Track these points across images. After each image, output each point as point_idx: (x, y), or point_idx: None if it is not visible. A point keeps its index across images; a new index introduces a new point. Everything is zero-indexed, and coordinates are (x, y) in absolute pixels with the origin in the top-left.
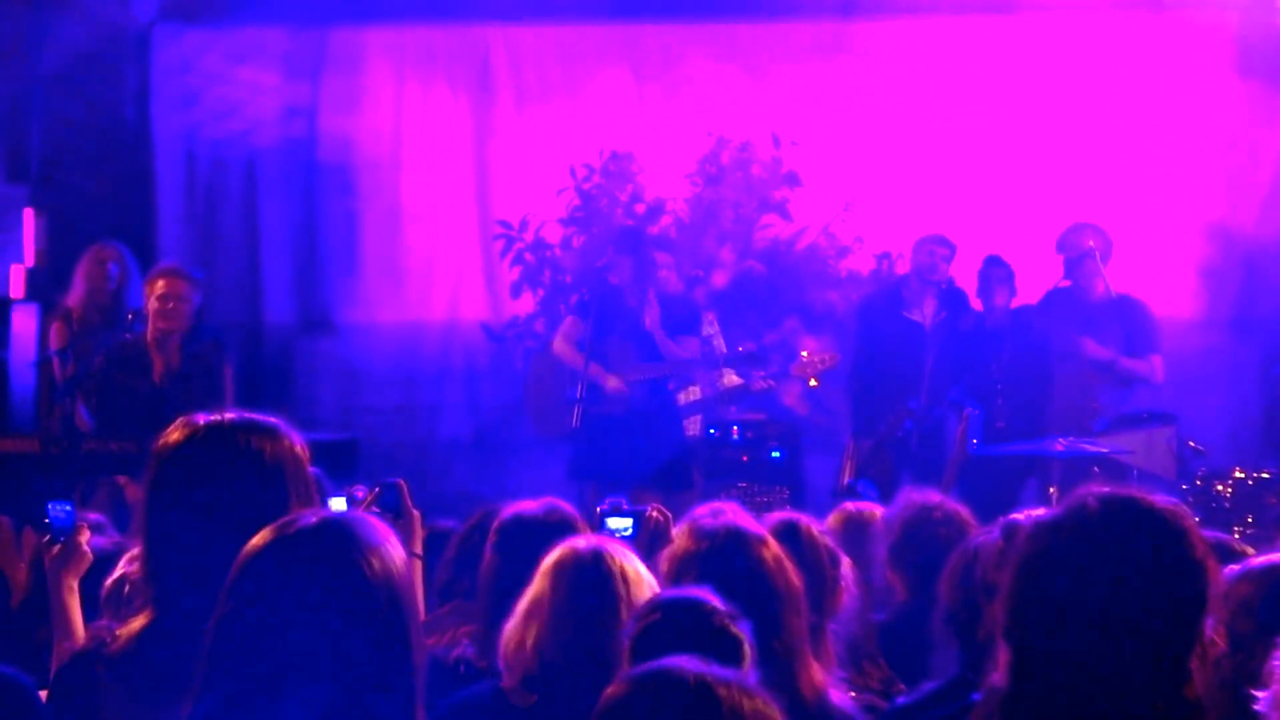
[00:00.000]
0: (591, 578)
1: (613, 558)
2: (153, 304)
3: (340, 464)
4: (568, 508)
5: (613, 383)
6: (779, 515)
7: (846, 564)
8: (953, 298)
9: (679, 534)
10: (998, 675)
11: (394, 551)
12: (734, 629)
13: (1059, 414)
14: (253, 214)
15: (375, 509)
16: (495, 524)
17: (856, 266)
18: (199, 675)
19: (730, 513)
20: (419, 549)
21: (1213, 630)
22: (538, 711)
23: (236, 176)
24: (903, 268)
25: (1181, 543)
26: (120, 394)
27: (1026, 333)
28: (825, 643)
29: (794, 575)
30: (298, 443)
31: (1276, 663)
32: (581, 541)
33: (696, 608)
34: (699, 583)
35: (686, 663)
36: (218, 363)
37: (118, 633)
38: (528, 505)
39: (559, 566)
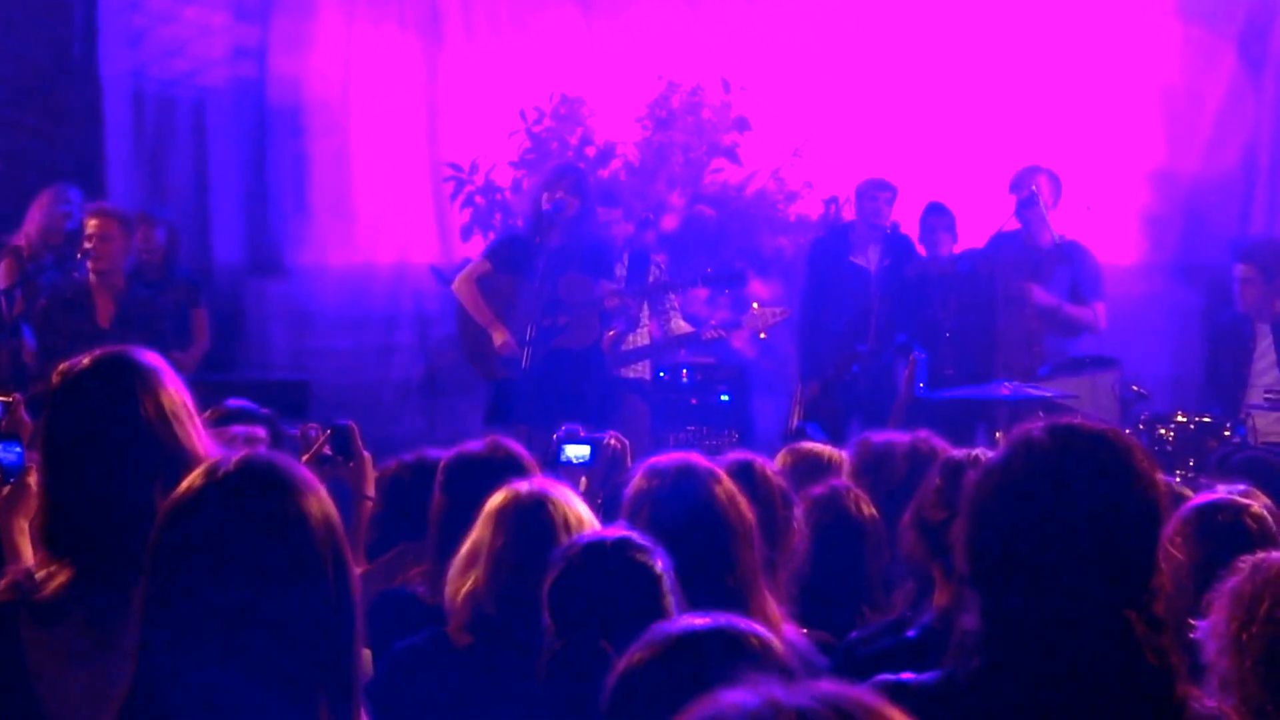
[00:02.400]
0: (532, 524)
1: (555, 504)
2: (89, 244)
3: (292, 405)
4: (514, 445)
5: (499, 338)
6: (734, 455)
7: (799, 505)
8: (898, 243)
9: (636, 473)
10: (968, 618)
11: (322, 491)
12: (649, 563)
13: (1004, 360)
14: (202, 155)
15: (327, 451)
16: (442, 463)
17: (805, 211)
18: (136, 628)
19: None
20: (370, 491)
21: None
22: (478, 655)
23: (185, 117)
24: (850, 213)
25: (1130, 462)
26: (61, 334)
27: (973, 278)
28: (778, 581)
29: (747, 511)
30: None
31: (1215, 595)
32: (525, 486)
33: (608, 547)
34: (653, 520)
35: (703, 624)
36: (186, 304)
37: (40, 579)
38: (472, 445)
39: (500, 512)
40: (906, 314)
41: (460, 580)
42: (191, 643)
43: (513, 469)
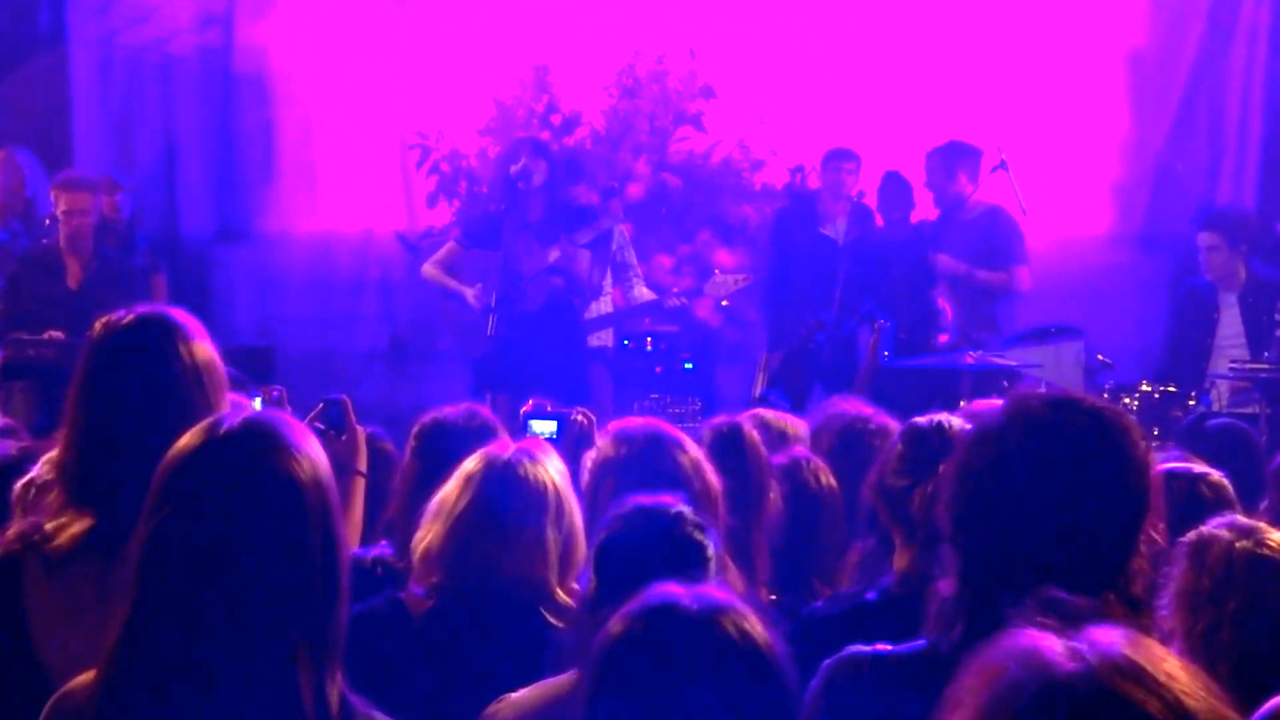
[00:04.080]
0: (497, 483)
1: (526, 465)
2: (60, 217)
3: (257, 372)
4: (487, 413)
5: (470, 294)
6: (720, 419)
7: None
8: (863, 212)
9: (601, 440)
10: (945, 582)
11: (319, 454)
12: (703, 543)
13: (957, 328)
14: (168, 122)
15: (319, 425)
16: (415, 429)
17: (771, 180)
18: (131, 580)
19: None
20: (363, 466)
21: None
22: (433, 619)
23: (152, 84)
24: (815, 181)
25: (1126, 441)
26: (33, 299)
27: (917, 248)
28: (761, 548)
29: (713, 479)
30: (210, 345)
31: (1176, 551)
32: (503, 449)
33: (668, 516)
34: (618, 487)
35: (684, 595)
36: (148, 271)
37: (49, 530)
38: (448, 410)
39: (469, 474)
40: (872, 283)
41: (423, 535)
42: (176, 595)
43: (487, 437)
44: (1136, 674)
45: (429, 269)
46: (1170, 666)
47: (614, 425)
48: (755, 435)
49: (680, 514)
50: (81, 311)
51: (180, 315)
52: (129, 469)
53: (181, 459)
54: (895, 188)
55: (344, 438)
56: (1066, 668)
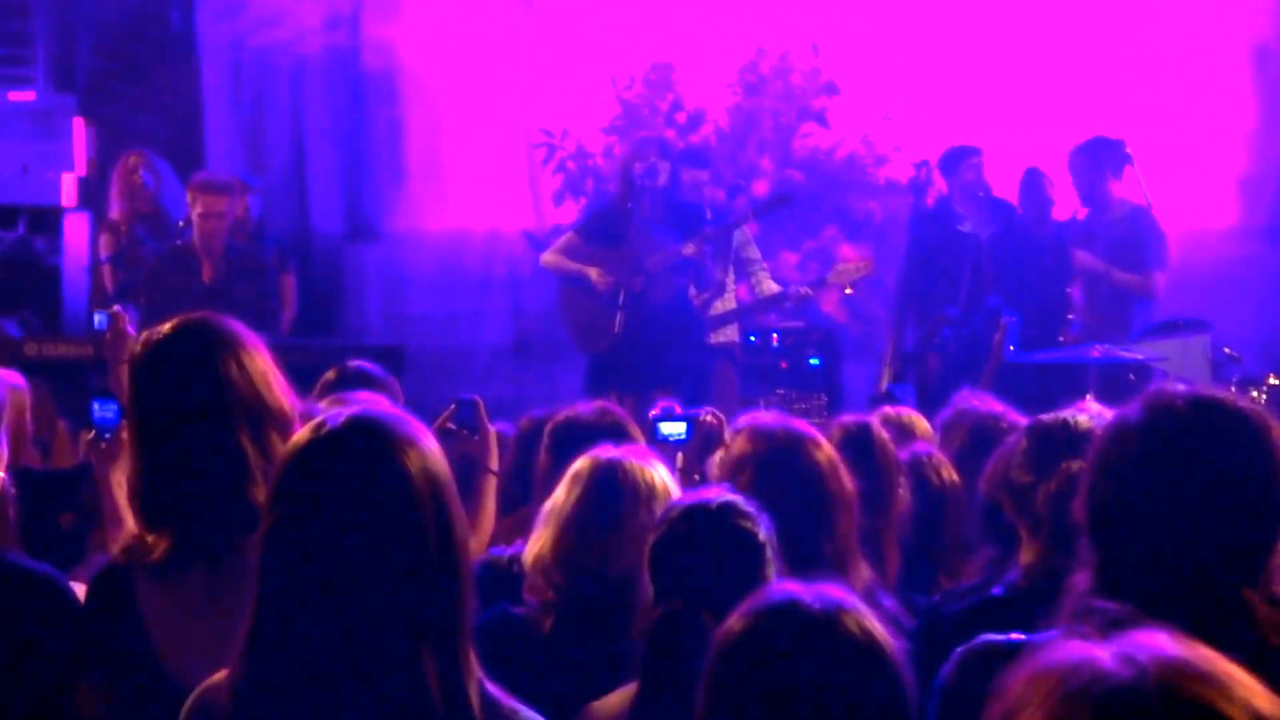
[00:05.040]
0: (603, 487)
1: (630, 467)
2: (195, 218)
3: (387, 370)
4: (620, 411)
5: (595, 274)
6: (850, 417)
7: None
8: (1002, 208)
9: (736, 436)
10: (1080, 576)
11: (430, 446)
12: (753, 529)
13: (1087, 326)
14: (298, 123)
15: (451, 425)
16: (549, 427)
17: (895, 175)
18: (255, 580)
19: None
20: (494, 465)
21: None
22: (550, 627)
23: (282, 85)
24: (939, 177)
25: (1268, 444)
26: (171, 295)
27: (1058, 245)
28: (891, 546)
29: (847, 479)
30: (261, 350)
31: None
32: (607, 451)
33: (711, 510)
34: (754, 483)
35: (804, 593)
36: (269, 268)
37: (151, 543)
38: (581, 408)
39: (576, 475)
40: (1005, 278)
41: (536, 543)
42: (296, 593)
43: (619, 435)
44: (1200, 675)
45: (549, 256)
46: (1227, 666)
47: (746, 421)
48: (884, 434)
49: (727, 504)
50: (215, 304)
51: (224, 322)
52: (193, 484)
53: (289, 460)
54: (1036, 184)
55: (476, 438)
56: (1123, 675)
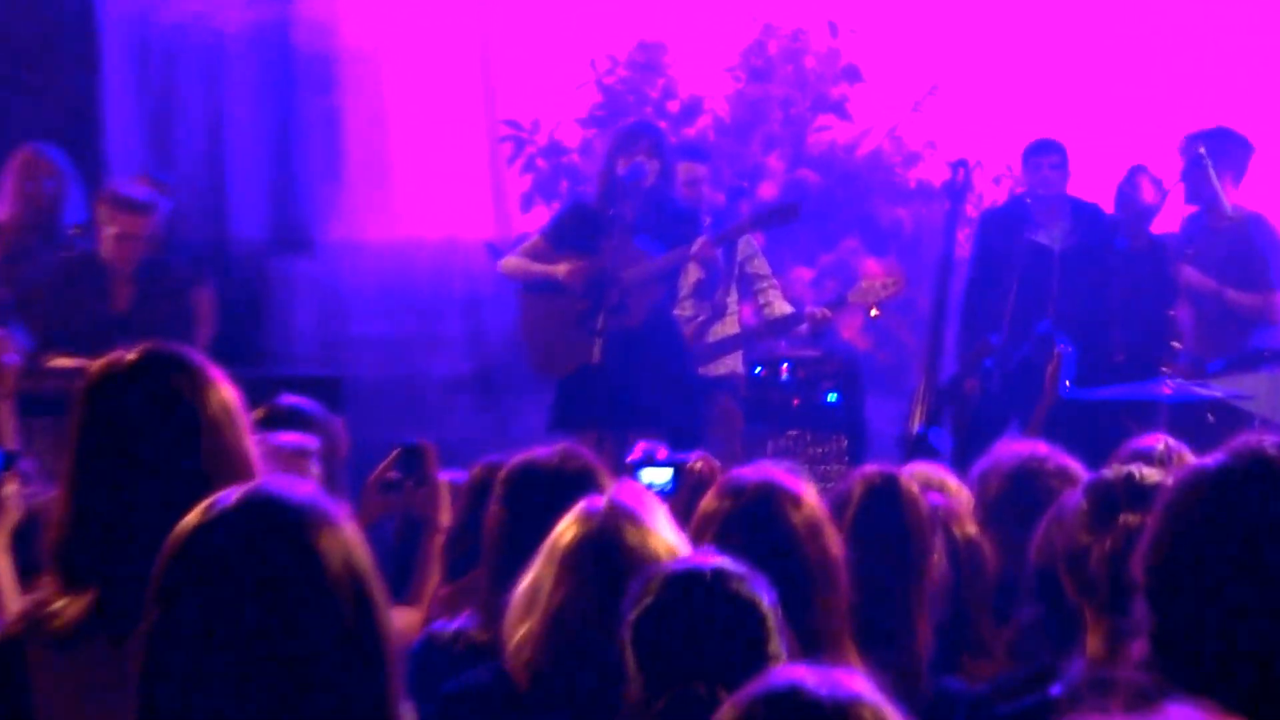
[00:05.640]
0: (602, 567)
1: (630, 533)
2: (108, 238)
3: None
4: (587, 455)
5: (563, 270)
6: (873, 468)
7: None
8: (1087, 215)
9: (712, 489)
10: (1138, 645)
11: (346, 527)
12: (754, 597)
13: (1195, 356)
14: (216, 113)
15: (394, 474)
16: (502, 474)
17: (928, 176)
18: (139, 671)
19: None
20: (445, 520)
21: None
22: (540, 698)
23: (196, 67)
24: (983, 176)
25: None
26: (72, 319)
27: (1155, 258)
28: (921, 624)
29: (832, 544)
30: (230, 387)
31: None
32: (598, 513)
33: (705, 578)
34: (719, 548)
35: (810, 679)
36: (189, 286)
37: (54, 609)
38: (540, 452)
39: (565, 549)
40: (1090, 299)
41: (516, 626)
42: (196, 689)
43: (587, 484)
44: None
45: (510, 261)
46: None
47: (727, 475)
48: (914, 487)
49: (720, 570)
50: (130, 334)
51: (193, 355)
52: (135, 538)
53: (173, 552)
54: (1137, 186)
55: (423, 490)
56: None
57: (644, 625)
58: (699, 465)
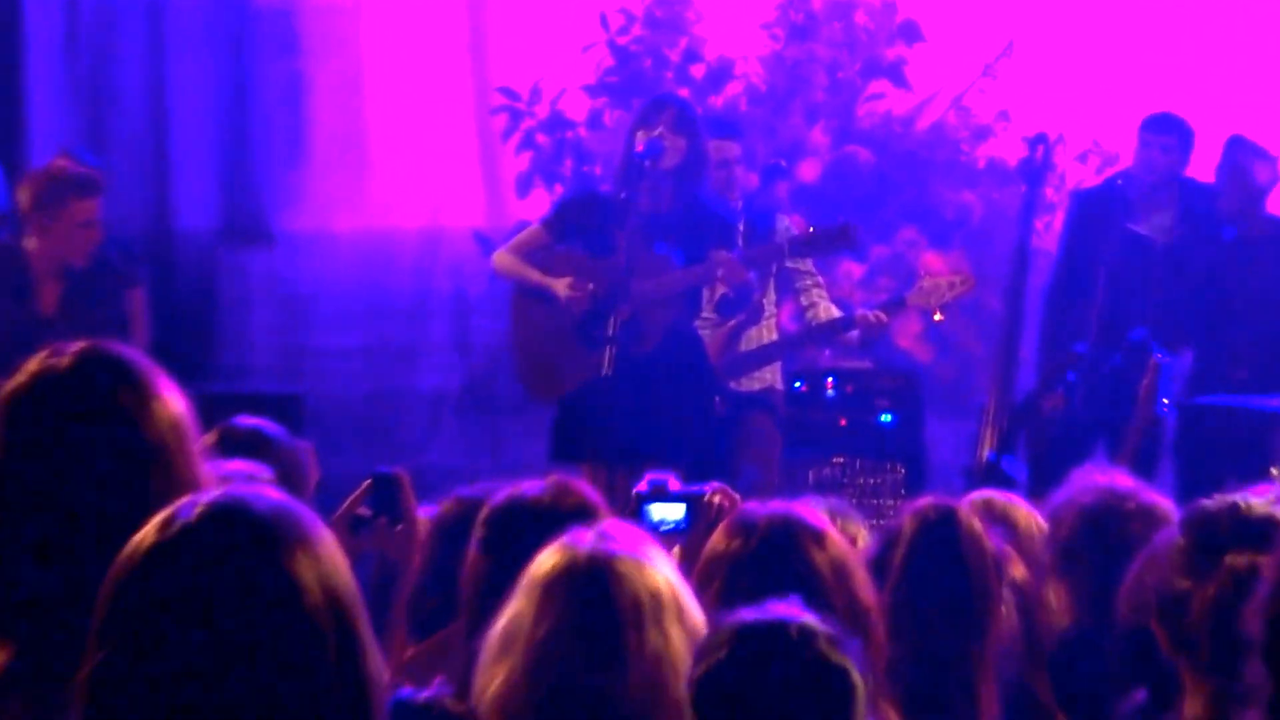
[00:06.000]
0: (590, 600)
1: (625, 566)
2: (62, 229)
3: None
4: (584, 491)
5: (563, 287)
6: (931, 501)
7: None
8: (1199, 201)
9: (719, 528)
10: (1251, 715)
11: (327, 544)
12: (846, 666)
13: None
14: (159, 81)
15: (365, 510)
16: (483, 513)
17: (1000, 154)
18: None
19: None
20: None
21: None
22: None
23: (135, 27)
24: (1066, 153)
25: None
26: None
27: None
28: (987, 686)
29: (864, 589)
30: (178, 397)
31: None
32: (586, 542)
33: (783, 633)
34: (722, 596)
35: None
36: (125, 284)
37: None
38: (528, 486)
39: (544, 579)
40: (1198, 300)
41: (491, 672)
42: None
43: (583, 523)
44: None
45: (502, 257)
46: None
47: (738, 510)
48: (977, 525)
49: (806, 629)
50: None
51: (138, 359)
52: (66, 575)
53: (125, 572)
54: (1243, 160)
55: (399, 528)
56: None
57: (711, 685)
58: (717, 499)
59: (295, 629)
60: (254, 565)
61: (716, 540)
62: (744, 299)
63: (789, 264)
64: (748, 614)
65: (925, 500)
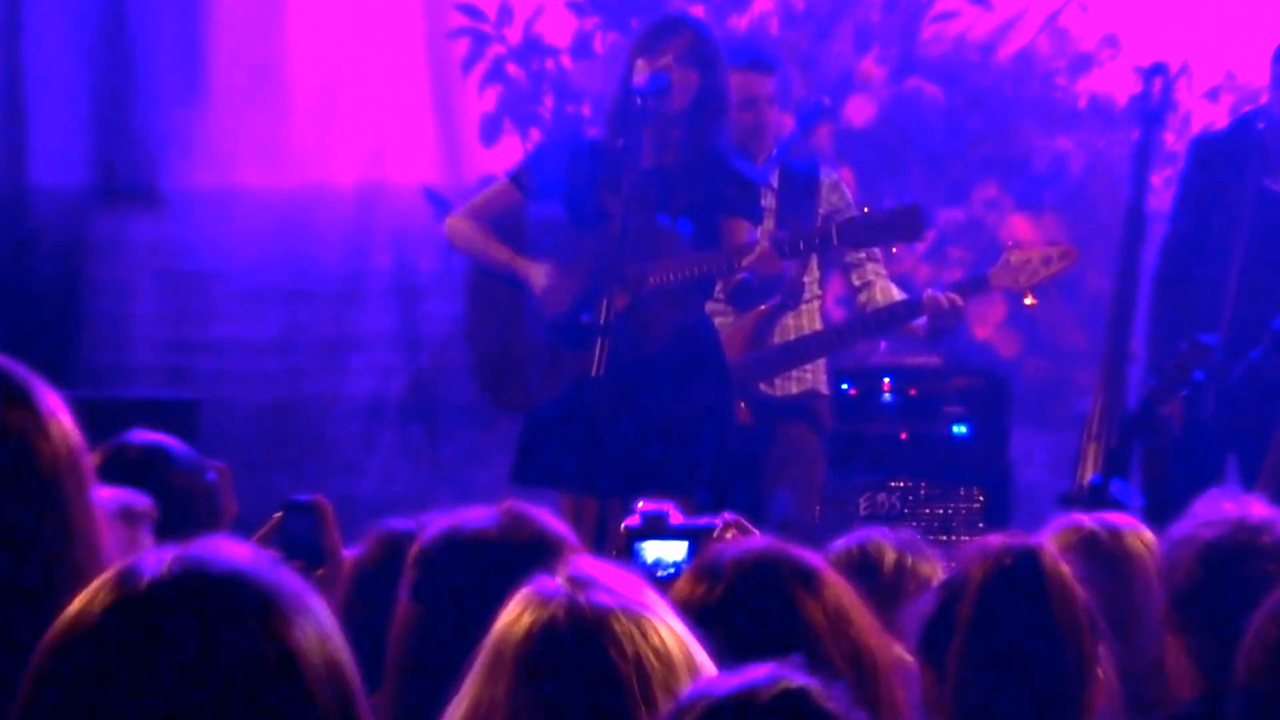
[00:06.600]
0: (587, 672)
1: (621, 624)
2: None
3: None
4: (543, 519)
5: (539, 276)
6: (1002, 540)
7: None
8: None
9: (684, 573)
10: None
11: (322, 612)
12: None
13: None
14: (11, 8)
15: (275, 550)
16: (415, 551)
17: (1106, 89)
18: None
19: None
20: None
21: None
22: None
23: None
24: (1191, 90)
25: None
26: None
27: None
28: None
29: (872, 642)
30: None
31: None
32: (559, 592)
33: (747, 710)
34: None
35: None
36: None
37: None
38: (472, 517)
39: (522, 651)
40: None
41: None
42: None
43: (544, 562)
44: None
45: (460, 224)
46: None
47: (707, 550)
48: (1063, 570)
49: (803, 693)
50: None
51: (19, 369)
52: None
53: (71, 641)
54: None
55: (321, 569)
56: None
57: None
58: (730, 534)
59: (295, 713)
60: (241, 640)
61: (680, 587)
62: (769, 289)
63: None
64: (711, 683)
65: (997, 539)
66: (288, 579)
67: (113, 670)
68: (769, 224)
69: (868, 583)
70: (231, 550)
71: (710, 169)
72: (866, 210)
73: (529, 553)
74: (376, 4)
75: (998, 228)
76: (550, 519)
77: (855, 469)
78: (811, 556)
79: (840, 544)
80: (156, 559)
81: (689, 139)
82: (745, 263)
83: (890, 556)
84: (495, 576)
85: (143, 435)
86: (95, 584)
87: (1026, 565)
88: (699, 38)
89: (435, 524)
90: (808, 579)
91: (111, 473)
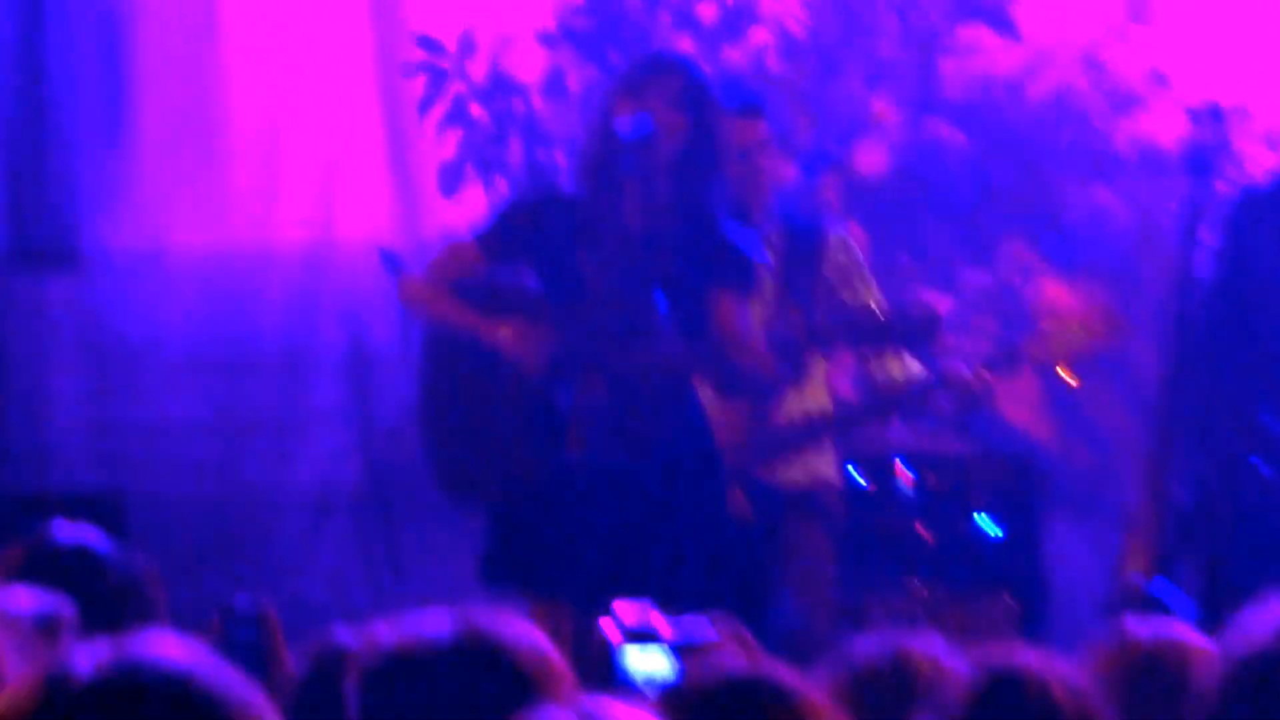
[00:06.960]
0: None
1: None
2: None
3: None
4: (509, 629)
5: (509, 336)
6: (1003, 659)
7: None
8: None
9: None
10: None
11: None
12: None
13: None
14: None
15: None
16: (360, 670)
17: (1153, 133)
18: None
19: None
20: None
21: None
22: None
23: None
24: (1249, 133)
25: None
26: None
27: None
28: None
29: None
30: None
31: None
32: None
33: None
34: None
35: None
36: None
37: None
38: (427, 625)
39: None
40: None
41: None
42: None
43: (507, 687)
44: None
45: (417, 287)
46: None
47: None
48: (1058, 694)
49: None
50: None
51: None
52: None
53: None
54: None
55: (265, 686)
56: None
57: None
58: (725, 648)
59: None
60: None
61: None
62: (759, 387)
63: (845, 296)
64: None
65: (999, 655)
66: (235, 682)
67: None
68: (768, 289)
69: (901, 698)
70: (172, 649)
71: (700, 233)
72: (876, 306)
73: (488, 670)
74: (322, 39)
75: (1031, 294)
76: (517, 627)
77: (870, 569)
78: (803, 686)
79: (863, 652)
80: (89, 657)
81: (676, 196)
82: (737, 361)
83: (926, 668)
84: (450, 699)
85: (65, 530)
86: (25, 684)
87: (1012, 689)
88: (689, 76)
89: (383, 636)
90: (787, 703)
91: (30, 573)
